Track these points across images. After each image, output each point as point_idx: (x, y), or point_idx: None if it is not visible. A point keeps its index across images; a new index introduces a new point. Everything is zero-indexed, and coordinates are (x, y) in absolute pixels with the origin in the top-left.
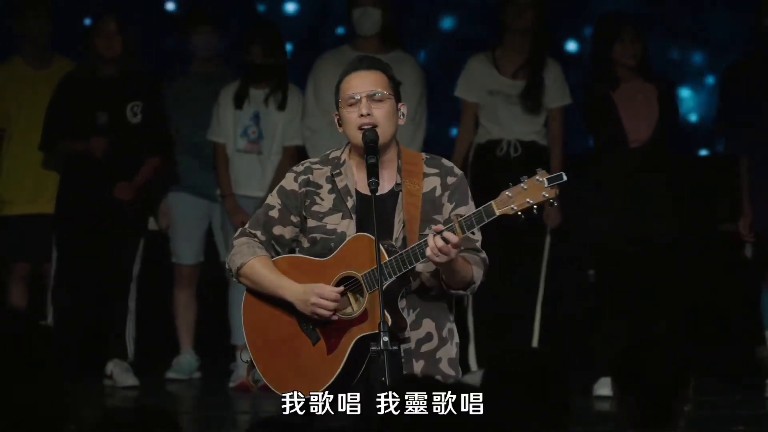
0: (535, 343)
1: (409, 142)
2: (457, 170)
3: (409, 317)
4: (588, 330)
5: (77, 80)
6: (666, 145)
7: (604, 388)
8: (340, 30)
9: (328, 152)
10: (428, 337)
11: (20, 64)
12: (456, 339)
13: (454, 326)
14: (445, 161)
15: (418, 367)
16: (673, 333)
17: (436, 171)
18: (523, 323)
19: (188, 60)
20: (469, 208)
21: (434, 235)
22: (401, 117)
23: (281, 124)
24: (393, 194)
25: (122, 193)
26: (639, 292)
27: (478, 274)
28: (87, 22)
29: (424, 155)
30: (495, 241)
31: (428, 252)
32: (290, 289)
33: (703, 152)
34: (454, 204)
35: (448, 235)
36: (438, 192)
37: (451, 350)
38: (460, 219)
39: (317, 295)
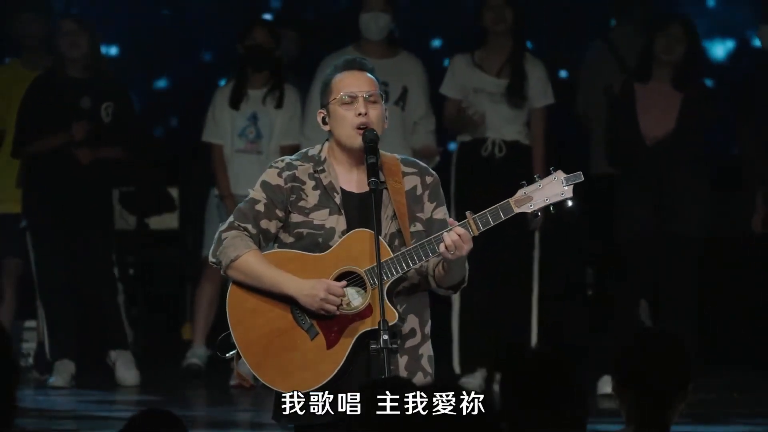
0: (533, 341)
1: (423, 141)
2: (432, 171)
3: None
4: (589, 330)
5: (48, 82)
6: (686, 145)
7: (606, 385)
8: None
9: (304, 150)
10: (412, 333)
11: (16, 65)
12: (430, 337)
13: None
14: (419, 162)
15: (402, 362)
16: (688, 327)
17: (414, 170)
18: (518, 322)
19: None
20: (444, 209)
21: (449, 231)
22: (386, 120)
23: (279, 122)
24: (377, 192)
25: (82, 154)
26: (662, 287)
27: (467, 274)
28: None
29: (398, 156)
30: (484, 241)
31: (442, 248)
32: (293, 284)
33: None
34: (434, 204)
35: (460, 230)
36: (419, 191)
37: (430, 348)
38: (474, 216)
39: (325, 290)
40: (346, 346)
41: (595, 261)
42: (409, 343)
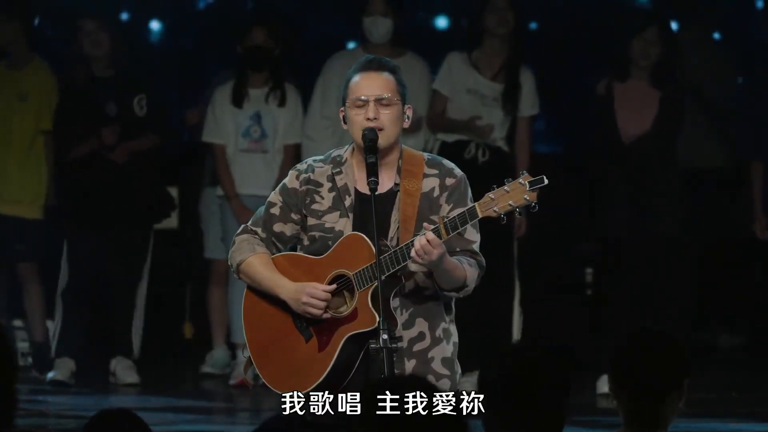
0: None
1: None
2: (457, 171)
3: (402, 317)
4: (587, 328)
5: (74, 87)
6: (663, 144)
7: (606, 385)
8: None
9: (331, 151)
10: (420, 336)
11: (1, 68)
12: (454, 339)
13: (451, 326)
14: (446, 162)
15: (409, 366)
16: (677, 325)
17: (435, 171)
18: (501, 321)
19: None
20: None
21: (420, 237)
22: (407, 120)
23: (282, 121)
24: (391, 194)
25: (117, 155)
26: (645, 285)
27: (472, 277)
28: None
29: (426, 156)
30: None
31: (413, 253)
32: (284, 287)
33: None
34: (452, 205)
35: (430, 236)
36: (436, 192)
37: (446, 350)
38: (445, 220)
39: (308, 294)
40: (334, 349)
41: (594, 261)
42: (417, 347)
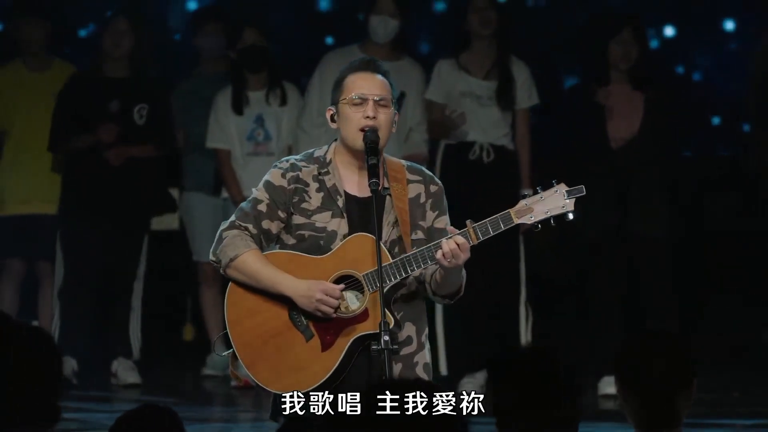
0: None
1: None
2: (437, 180)
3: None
4: (585, 329)
5: (84, 79)
6: (651, 147)
7: (608, 386)
8: None
9: (310, 151)
10: (408, 340)
11: (20, 67)
12: (429, 345)
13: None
14: (425, 170)
15: (396, 369)
16: (666, 328)
17: (419, 178)
18: (507, 325)
19: (196, 60)
20: (446, 219)
21: (448, 239)
22: (394, 125)
23: (285, 121)
24: (380, 197)
25: (112, 157)
26: (633, 287)
27: (464, 283)
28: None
29: (404, 163)
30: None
31: (439, 255)
32: (290, 284)
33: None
34: (436, 213)
35: (459, 239)
36: (422, 199)
37: (426, 356)
38: (474, 225)
39: (322, 291)
40: (340, 349)
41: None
42: (405, 351)
